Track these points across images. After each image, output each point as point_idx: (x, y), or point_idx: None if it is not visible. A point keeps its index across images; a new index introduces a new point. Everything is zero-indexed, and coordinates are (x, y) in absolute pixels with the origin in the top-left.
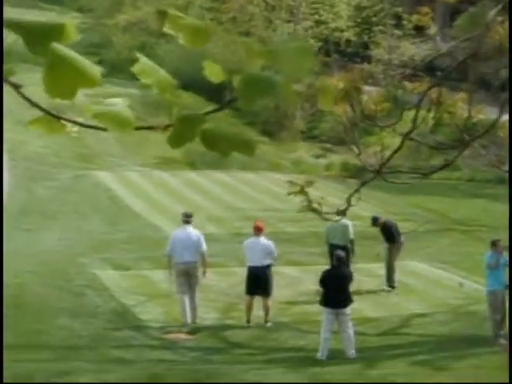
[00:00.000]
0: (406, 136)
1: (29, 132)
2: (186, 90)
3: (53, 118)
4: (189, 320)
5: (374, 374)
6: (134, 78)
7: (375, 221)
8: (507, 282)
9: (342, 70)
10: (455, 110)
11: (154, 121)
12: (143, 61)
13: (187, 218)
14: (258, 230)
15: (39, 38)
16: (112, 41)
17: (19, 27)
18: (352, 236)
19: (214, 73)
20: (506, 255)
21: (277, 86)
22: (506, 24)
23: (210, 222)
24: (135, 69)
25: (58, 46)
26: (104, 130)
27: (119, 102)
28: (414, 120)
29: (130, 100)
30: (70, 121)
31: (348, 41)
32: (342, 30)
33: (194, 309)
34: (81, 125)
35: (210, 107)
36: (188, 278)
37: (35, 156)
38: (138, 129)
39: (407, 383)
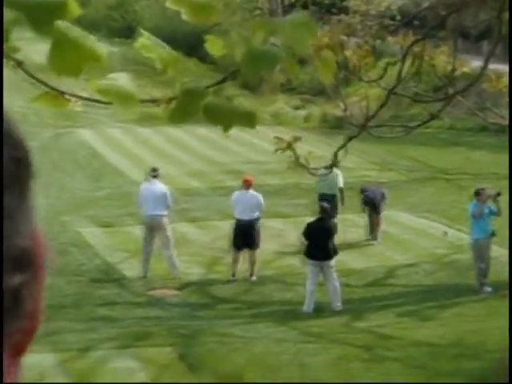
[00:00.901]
0: (391, 91)
1: (9, 92)
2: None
3: (57, 93)
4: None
5: (361, 325)
6: (113, 35)
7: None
8: (492, 230)
9: (319, 21)
10: (438, 62)
11: (134, 76)
12: (145, 35)
13: (154, 173)
14: (247, 183)
15: (42, 16)
16: None
17: (21, 6)
18: (341, 185)
19: (215, 47)
20: (489, 204)
21: (280, 59)
22: None
23: (192, 176)
24: (138, 44)
25: (62, 24)
26: (109, 103)
27: (122, 76)
28: (399, 75)
29: (110, 58)
30: (74, 95)
31: None
32: None
33: (172, 264)
34: (85, 99)
35: (190, 63)
36: (154, 232)
37: (17, 116)
38: (142, 102)
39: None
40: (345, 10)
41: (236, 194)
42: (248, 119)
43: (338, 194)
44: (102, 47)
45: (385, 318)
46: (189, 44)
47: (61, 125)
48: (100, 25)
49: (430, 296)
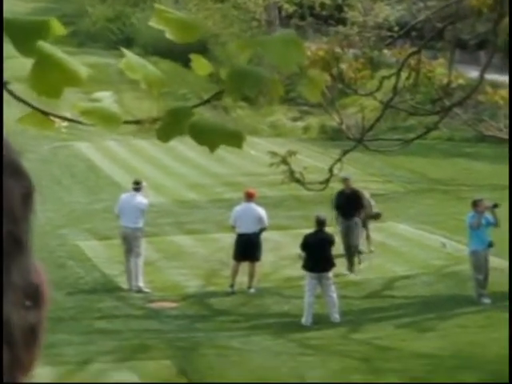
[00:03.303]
0: (387, 104)
1: (8, 104)
2: (164, 57)
3: (41, 114)
4: (133, 286)
5: (360, 337)
6: (110, 47)
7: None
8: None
9: (317, 32)
10: (434, 75)
11: (131, 87)
12: (129, 56)
13: (136, 185)
14: (249, 197)
15: (25, 36)
16: (87, 10)
17: (4, 25)
18: None
19: (200, 66)
20: (487, 215)
21: (264, 80)
22: None
23: (190, 188)
24: (122, 64)
25: (44, 45)
26: (92, 125)
27: (106, 96)
28: (394, 88)
29: (107, 69)
30: (58, 116)
31: (322, 4)
32: None
33: (135, 274)
34: (69, 120)
35: (187, 74)
36: (128, 243)
37: (16, 129)
38: (126, 123)
39: (392, 346)
40: (343, 21)
41: (238, 207)
42: (235, 139)
43: None
44: (83, 69)
45: (383, 330)
46: (187, 55)
47: (59, 137)
48: (98, 37)
49: (429, 307)
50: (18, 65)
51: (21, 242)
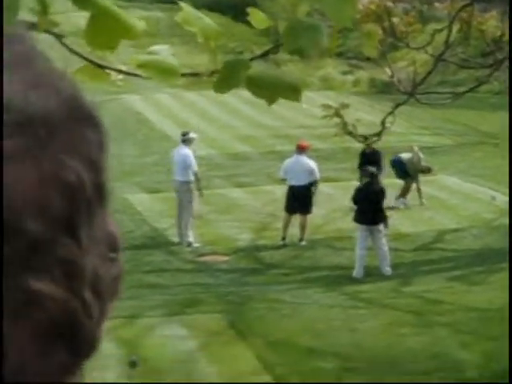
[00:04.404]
0: (439, 58)
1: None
2: (212, 10)
3: (97, 67)
4: (183, 240)
5: (410, 290)
6: (157, 0)
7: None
8: None
9: None
10: (486, 27)
11: (181, 41)
12: (186, 9)
13: (184, 137)
14: (301, 149)
15: None
16: None
17: None
18: None
19: (257, 19)
20: None
21: (322, 33)
22: None
23: (241, 140)
24: (179, 17)
25: None
26: (149, 78)
27: (163, 50)
28: (446, 42)
29: (156, 23)
30: (114, 69)
31: None
32: None
33: (184, 228)
34: (125, 73)
35: (236, 27)
36: (179, 197)
37: None
38: (183, 75)
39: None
40: None
41: (289, 160)
42: (292, 92)
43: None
44: (139, 23)
45: (434, 283)
46: (236, 9)
47: (108, 91)
48: None
49: (479, 260)
50: (72, 19)
51: (102, 191)
